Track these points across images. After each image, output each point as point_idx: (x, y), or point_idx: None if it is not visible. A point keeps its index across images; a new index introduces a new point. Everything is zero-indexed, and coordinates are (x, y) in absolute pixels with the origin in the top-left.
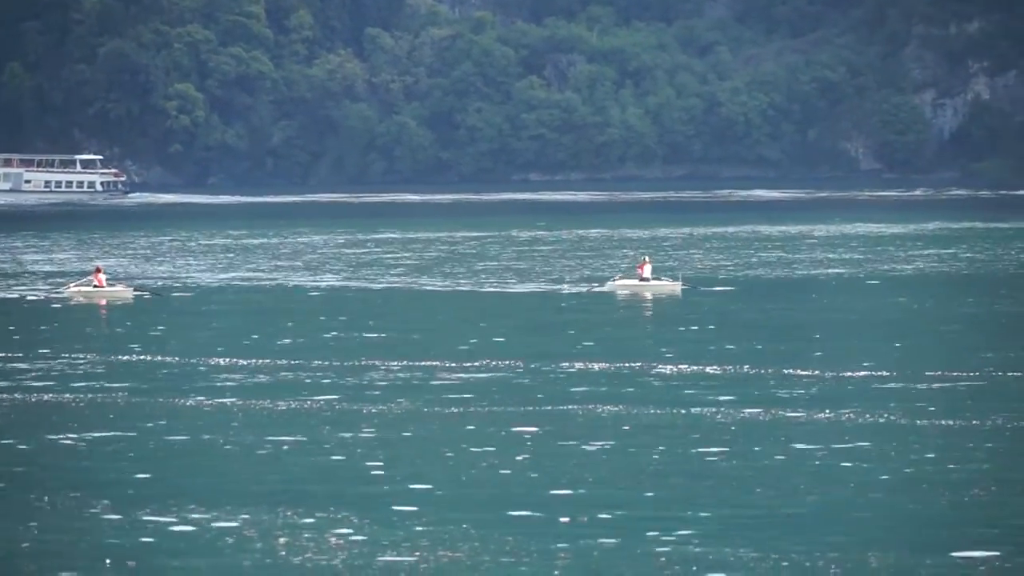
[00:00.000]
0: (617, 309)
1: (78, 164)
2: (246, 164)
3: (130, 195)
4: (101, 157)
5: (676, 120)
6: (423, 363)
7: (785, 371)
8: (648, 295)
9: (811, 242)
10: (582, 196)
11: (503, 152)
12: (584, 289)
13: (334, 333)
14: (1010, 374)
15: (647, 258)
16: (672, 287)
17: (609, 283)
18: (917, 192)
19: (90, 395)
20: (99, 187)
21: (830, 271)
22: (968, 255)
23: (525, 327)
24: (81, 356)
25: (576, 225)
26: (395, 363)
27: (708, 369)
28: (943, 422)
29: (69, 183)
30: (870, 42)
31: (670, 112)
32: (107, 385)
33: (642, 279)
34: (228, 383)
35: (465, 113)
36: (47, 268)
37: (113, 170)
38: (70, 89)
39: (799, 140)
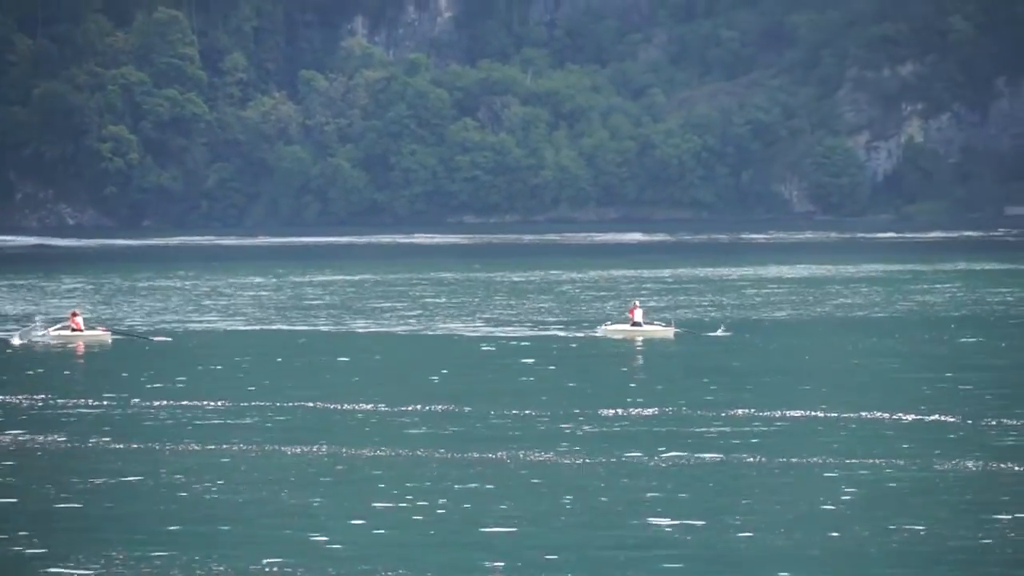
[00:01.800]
0: (610, 354)
1: None
2: (181, 206)
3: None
4: None
5: (610, 162)
6: (359, 405)
7: (740, 413)
8: (640, 340)
9: (744, 284)
10: (515, 237)
11: (437, 194)
12: (581, 334)
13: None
14: (945, 418)
15: (637, 302)
16: (665, 332)
17: (600, 328)
18: (851, 234)
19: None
20: None
21: (769, 313)
22: (903, 297)
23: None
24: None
25: (514, 268)
26: (328, 405)
27: (646, 412)
28: (871, 461)
29: None
30: (804, 84)
31: (604, 154)
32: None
33: (633, 324)
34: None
35: (399, 155)
36: None
37: None
38: (4, 131)
39: (732, 182)
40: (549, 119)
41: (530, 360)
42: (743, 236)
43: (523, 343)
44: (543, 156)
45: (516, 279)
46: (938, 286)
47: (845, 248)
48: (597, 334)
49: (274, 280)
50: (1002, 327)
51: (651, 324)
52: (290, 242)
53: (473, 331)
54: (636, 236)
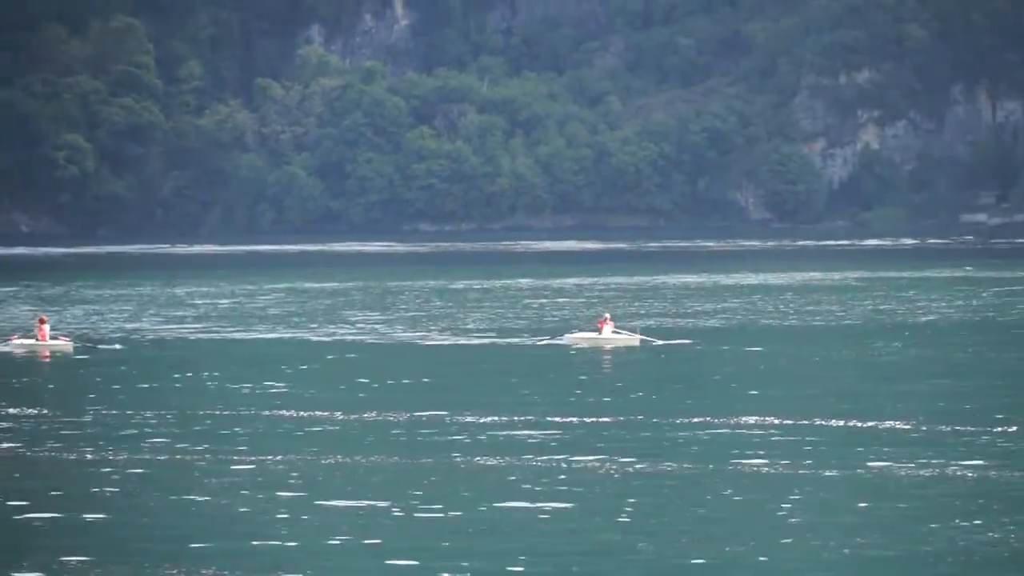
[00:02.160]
0: (575, 361)
1: None
2: (136, 214)
3: None
4: None
5: (566, 170)
6: (320, 413)
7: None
8: (605, 348)
9: (700, 292)
10: (471, 246)
11: (393, 202)
12: (543, 341)
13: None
14: (900, 424)
15: (608, 316)
16: (630, 340)
17: (567, 336)
18: (807, 242)
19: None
20: None
21: (725, 321)
22: (858, 304)
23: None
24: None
25: (471, 276)
26: (284, 412)
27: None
28: (831, 472)
29: None
30: (760, 92)
31: (560, 162)
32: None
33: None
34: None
35: (355, 163)
36: None
37: None
38: None
39: (689, 190)
40: (505, 127)
41: (493, 367)
42: (699, 244)
43: (485, 350)
44: (499, 164)
45: (476, 287)
46: (893, 294)
47: (800, 256)
48: (563, 342)
49: (228, 288)
50: (958, 335)
51: (618, 333)
52: (245, 250)
53: (432, 339)
54: (592, 244)
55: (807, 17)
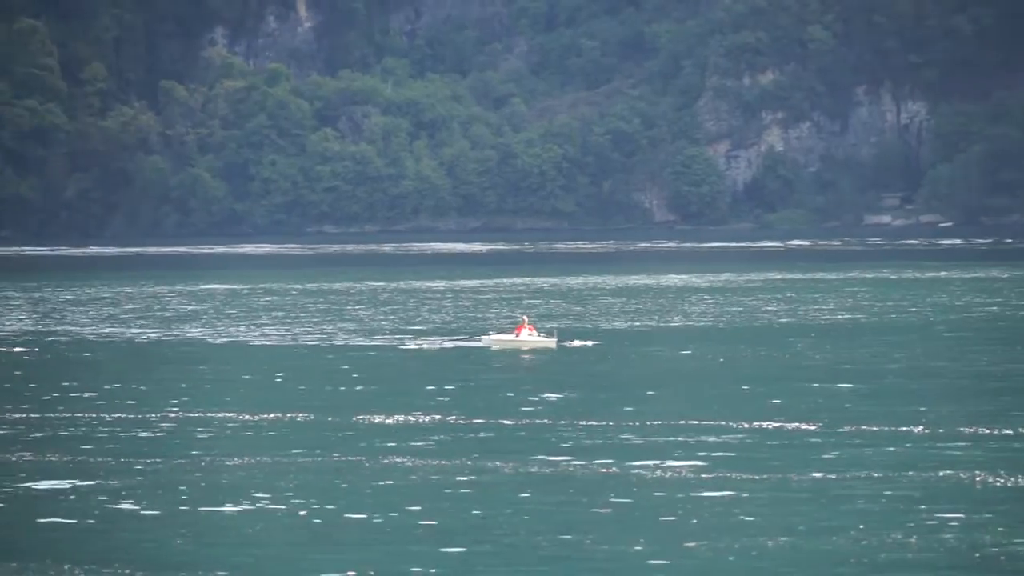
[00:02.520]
0: (494, 364)
1: None
2: (40, 216)
3: None
4: None
5: (471, 172)
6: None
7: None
8: (522, 350)
9: (606, 293)
10: (375, 247)
11: (297, 204)
12: (461, 342)
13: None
14: (802, 425)
15: (526, 319)
16: (547, 342)
17: (485, 338)
18: (711, 244)
19: None
20: None
21: (629, 322)
22: (760, 306)
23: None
24: None
25: (379, 277)
26: (190, 414)
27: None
28: (730, 475)
29: None
30: (664, 94)
31: (464, 164)
32: None
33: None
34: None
35: (259, 165)
36: None
37: None
38: None
39: (593, 191)
40: (410, 129)
41: (406, 369)
42: (604, 245)
43: (397, 352)
44: (404, 166)
45: (390, 288)
46: (796, 295)
47: (704, 257)
48: (481, 344)
49: (130, 290)
50: (861, 336)
51: (536, 335)
52: (149, 252)
53: (340, 340)
54: (499, 246)
55: (711, 19)
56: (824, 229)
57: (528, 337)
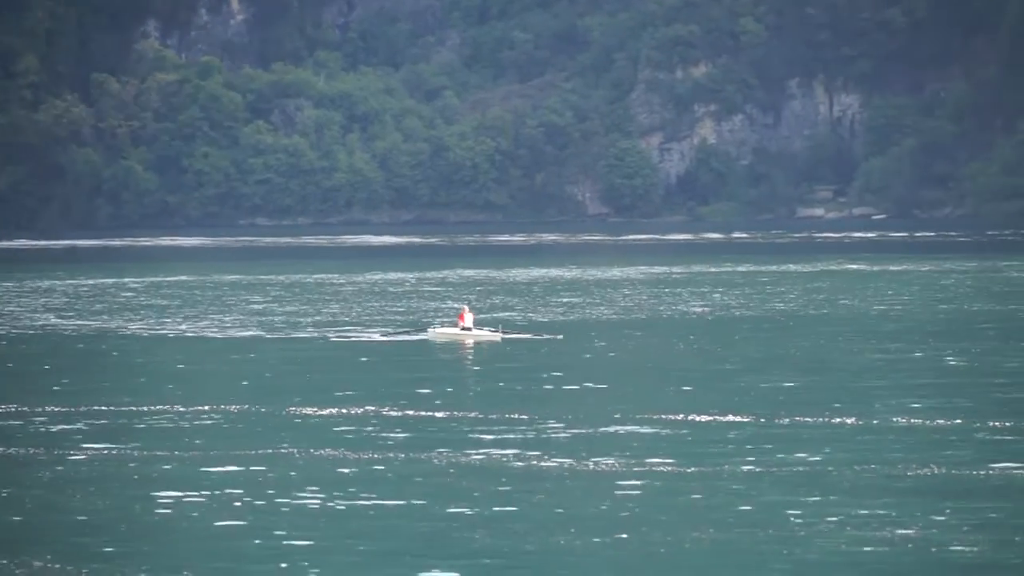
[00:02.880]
0: (436, 357)
1: None
2: None
3: None
4: None
5: (403, 164)
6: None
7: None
8: (468, 343)
9: (537, 286)
10: (308, 240)
11: (230, 197)
12: (401, 336)
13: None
14: (739, 418)
15: (467, 307)
16: (493, 336)
17: (430, 330)
18: (644, 236)
19: None
20: None
21: (560, 315)
22: (692, 298)
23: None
24: None
25: (317, 270)
26: (122, 408)
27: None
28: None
29: None
30: (597, 86)
31: (397, 156)
32: None
33: (463, 328)
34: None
35: (192, 158)
36: None
37: None
38: None
39: (526, 184)
40: (342, 122)
41: (340, 361)
42: (536, 238)
43: (337, 345)
44: (336, 159)
45: (327, 281)
46: (729, 288)
47: (637, 250)
48: (427, 337)
49: (58, 284)
50: (796, 328)
51: (481, 329)
52: (82, 245)
53: (280, 333)
54: (431, 239)
55: (643, 11)
56: (757, 222)
57: (473, 328)
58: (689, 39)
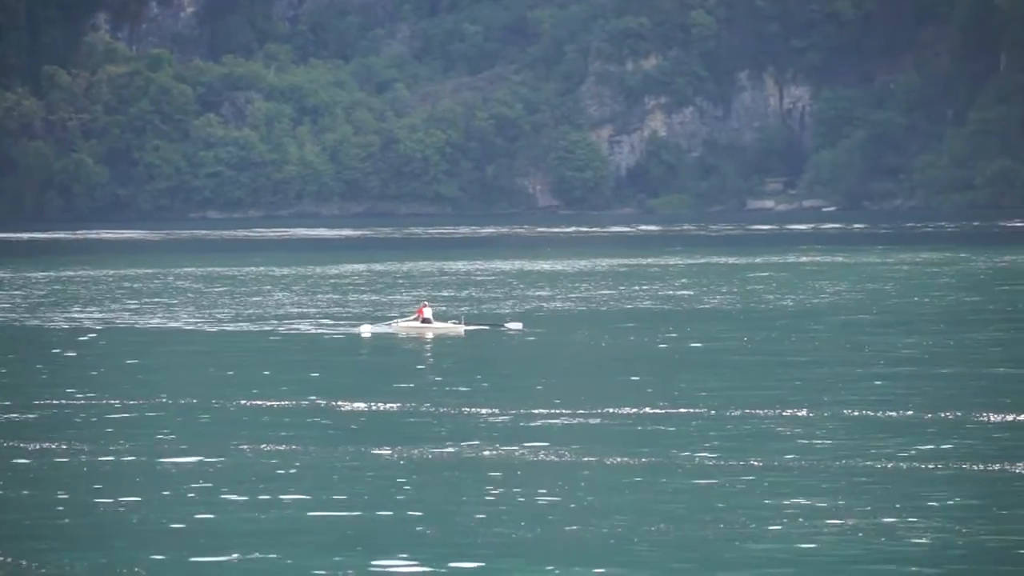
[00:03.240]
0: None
1: None
2: None
3: None
4: None
5: (354, 157)
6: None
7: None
8: (429, 336)
9: (487, 279)
10: (259, 233)
11: (181, 189)
12: (366, 331)
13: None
14: (692, 410)
15: (426, 301)
16: (455, 329)
17: (393, 324)
18: (594, 228)
19: None
20: None
21: (509, 308)
22: (641, 291)
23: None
24: None
25: (270, 263)
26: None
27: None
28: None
29: None
30: (547, 79)
31: (347, 149)
32: None
33: (423, 321)
34: None
35: (143, 150)
36: None
37: None
38: None
39: (477, 177)
40: (293, 114)
41: (293, 354)
42: (487, 230)
43: (297, 339)
44: (287, 151)
45: (281, 275)
46: (677, 280)
47: (587, 242)
48: (389, 330)
49: (6, 277)
50: (746, 320)
51: (443, 322)
52: (33, 238)
53: (234, 326)
54: (383, 230)
55: (593, 4)
56: (707, 214)
57: (434, 322)
58: (639, 31)
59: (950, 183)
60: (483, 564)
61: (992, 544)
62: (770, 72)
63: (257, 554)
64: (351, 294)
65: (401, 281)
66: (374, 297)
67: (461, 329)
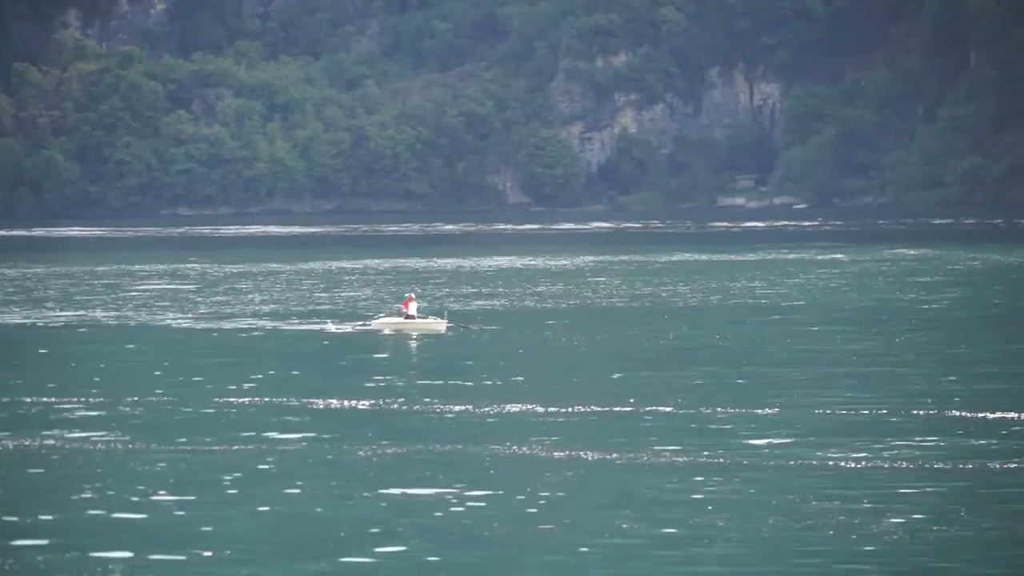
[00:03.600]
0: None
1: None
2: None
3: None
4: None
5: (324, 154)
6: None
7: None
8: (412, 333)
9: (461, 275)
10: (231, 230)
11: (152, 186)
12: (349, 328)
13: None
14: (658, 407)
15: (412, 295)
16: (437, 325)
17: (374, 321)
18: (564, 225)
19: None
20: None
21: (482, 304)
22: (615, 288)
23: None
24: None
25: (223, 259)
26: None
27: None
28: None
29: None
30: (517, 75)
31: (318, 146)
32: None
33: (407, 317)
34: None
35: (113, 147)
36: None
37: None
38: None
39: (447, 174)
40: (263, 111)
41: (277, 352)
42: (457, 227)
43: (267, 334)
44: (257, 148)
45: (257, 270)
46: (649, 278)
47: (558, 239)
48: (370, 326)
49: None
50: (718, 317)
51: (425, 318)
52: (2, 235)
53: (215, 323)
54: (357, 227)
55: (563, 0)
56: (678, 211)
57: (418, 319)
58: (609, 28)
59: (921, 180)
60: (456, 559)
61: (963, 540)
62: (740, 69)
63: (227, 552)
64: (319, 292)
65: (373, 279)
66: (351, 293)
67: (443, 326)
